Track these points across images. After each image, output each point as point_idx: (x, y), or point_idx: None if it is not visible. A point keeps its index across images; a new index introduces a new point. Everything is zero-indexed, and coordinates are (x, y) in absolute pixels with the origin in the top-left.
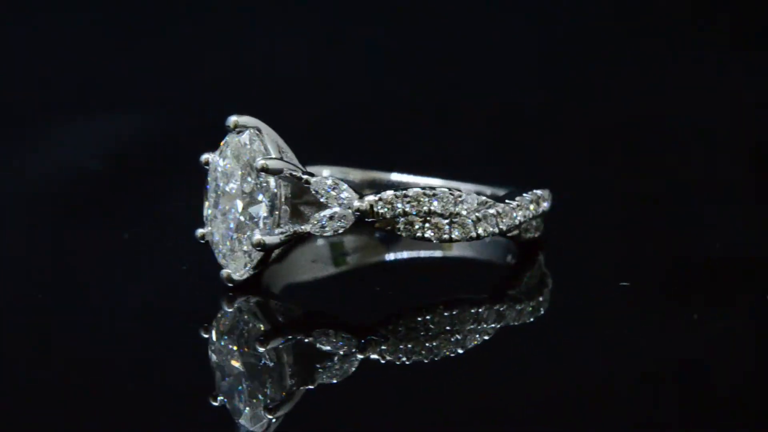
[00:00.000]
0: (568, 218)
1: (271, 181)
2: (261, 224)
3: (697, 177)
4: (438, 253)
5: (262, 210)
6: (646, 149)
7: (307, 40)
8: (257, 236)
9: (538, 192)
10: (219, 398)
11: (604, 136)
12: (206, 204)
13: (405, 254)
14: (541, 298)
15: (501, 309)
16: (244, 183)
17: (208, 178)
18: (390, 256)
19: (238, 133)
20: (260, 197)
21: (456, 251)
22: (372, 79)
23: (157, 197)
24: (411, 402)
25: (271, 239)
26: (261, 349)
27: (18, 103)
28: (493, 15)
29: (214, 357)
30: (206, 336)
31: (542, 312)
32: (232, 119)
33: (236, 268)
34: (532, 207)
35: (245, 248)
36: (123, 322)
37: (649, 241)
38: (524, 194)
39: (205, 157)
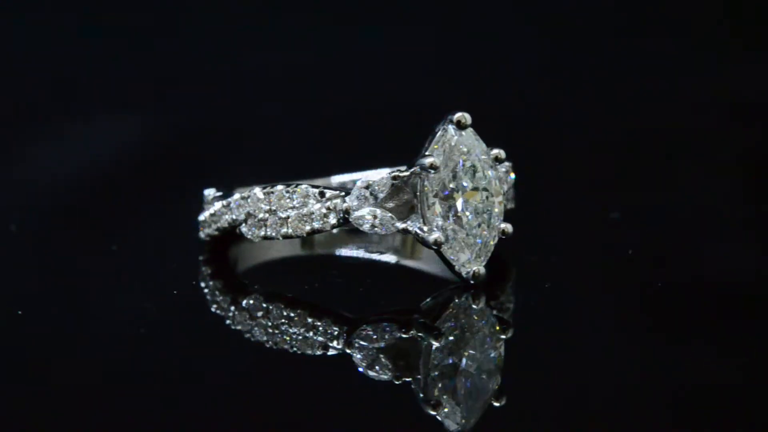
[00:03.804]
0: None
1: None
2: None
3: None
4: (392, 258)
5: (503, 199)
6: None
7: (308, 41)
8: (503, 225)
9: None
10: (444, 403)
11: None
12: (434, 210)
13: (358, 252)
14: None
15: None
16: (489, 176)
17: (429, 183)
18: (343, 251)
19: (463, 128)
20: (502, 188)
21: (412, 262)
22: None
23: (158, 200)
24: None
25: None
26: (503, 337)
27: (18, 106)
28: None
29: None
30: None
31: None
32: (464, 116)
33: (483, 263)
34: None
35: (493, 241)
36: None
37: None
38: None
39: (430, 160)
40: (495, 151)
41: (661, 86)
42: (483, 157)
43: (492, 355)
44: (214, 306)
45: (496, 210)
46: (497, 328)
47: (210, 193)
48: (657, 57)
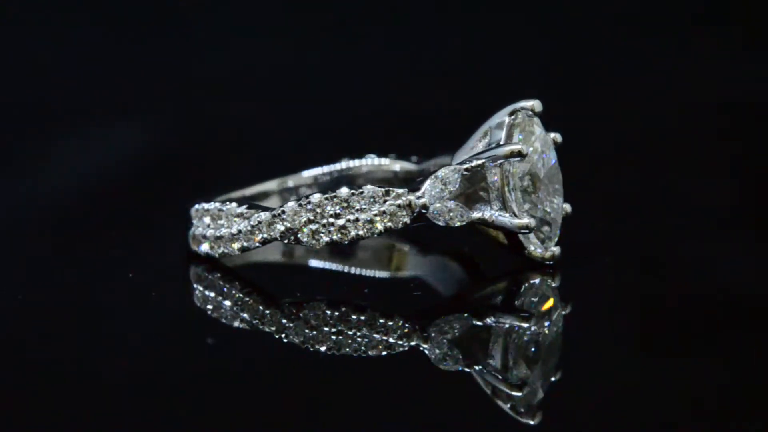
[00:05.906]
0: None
1: None
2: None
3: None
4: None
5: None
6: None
7: (309, 44)
8: (564, 204)
9: None
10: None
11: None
12: (515, 196)
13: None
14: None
15: None
16: (554, 159)
17: (514, 170)
18: (314, 263)
19: (535, 116)
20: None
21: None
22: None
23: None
24: None
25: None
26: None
27: (22, 111)
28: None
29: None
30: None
31: None
32: (536, 103)
33: (554, 243)
34: None
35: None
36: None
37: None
38: None
39: (518, 147)
40: (553, 135)
41: (659, 86)
42: (547, 139)
43: (560, 332)
44: (262, 323)
45: (560, 190)
46: (566, 305)
47: (230, 208)
48: (655, 57)
